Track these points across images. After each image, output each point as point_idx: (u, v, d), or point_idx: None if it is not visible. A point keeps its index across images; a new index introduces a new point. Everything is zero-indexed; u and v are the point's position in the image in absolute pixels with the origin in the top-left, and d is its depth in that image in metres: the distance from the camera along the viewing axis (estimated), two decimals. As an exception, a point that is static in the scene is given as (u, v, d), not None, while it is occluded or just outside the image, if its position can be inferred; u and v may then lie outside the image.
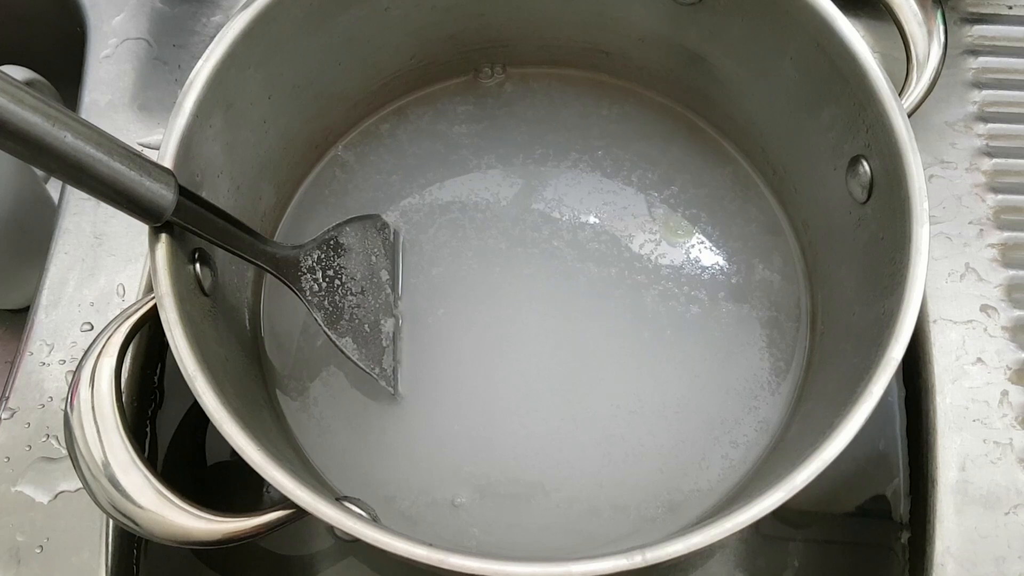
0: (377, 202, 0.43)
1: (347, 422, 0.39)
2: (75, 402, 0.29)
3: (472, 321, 0.41)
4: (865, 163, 0.35)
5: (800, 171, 0.41)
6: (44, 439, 0.38)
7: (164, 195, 0.29)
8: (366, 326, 0.38)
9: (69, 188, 0.42)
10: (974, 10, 0.47)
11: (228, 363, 0.34)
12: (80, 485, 0.31)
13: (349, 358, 0.37)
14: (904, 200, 0.32)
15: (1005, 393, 0.39)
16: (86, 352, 0.30)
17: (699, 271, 0.42)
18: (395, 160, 0.44)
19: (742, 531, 0.28)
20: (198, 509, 0.29)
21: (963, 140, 0.44)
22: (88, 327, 0.40)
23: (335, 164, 0.44)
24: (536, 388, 0.39)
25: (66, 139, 0.26)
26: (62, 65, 0.48)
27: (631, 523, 0.37)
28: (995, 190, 0.43)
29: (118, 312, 0.32)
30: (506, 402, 0.39)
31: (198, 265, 0.33)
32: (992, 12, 0.47)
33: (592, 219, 0.43)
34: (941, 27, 0.38)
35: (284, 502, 0.28)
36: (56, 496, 0.37)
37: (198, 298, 0.33)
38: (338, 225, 0.39)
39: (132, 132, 0.44)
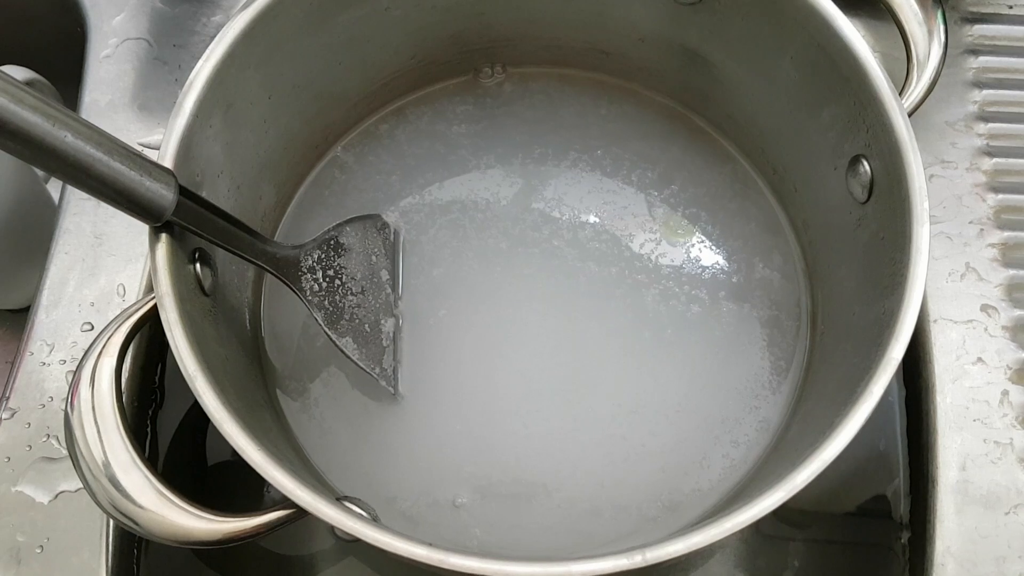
0: (377, 202, 0.43)
1: (347, 422, 0.39)
2: (75, 402, 0.29)
3: (472, 321, 0.40)
4: (865, 163, 0.35)
5: (800, 171, 0.41)
6: (44, 439, 0.38)
7: (164, 195, 0.29)
8: (366, 326, 0.38)
9: (69, 188, 0.42)
10: (974, 10, 0.47)
11: (228, 363, 0.34)
12: (80, 485, 0.31)
13: (349, 358, 0.37)
14: (904, 200, 0.32)
15: (1005, 393, 0.39)
16: (86, 352, 0.30)
17: (699, 270, 0.42)
18: (394, 161, 0.44)
19: (742, 531, 0.28)
20: (198, 509, 0.29)
21: (963, 140, 0.44)
22: (88, 327, 0.40)
23: (334, 165, 0.44)
24: (537, 388, 0.39)
25: (66, 139, 0.26)
26: (62, 65, 0.48)
27: (633, 523, 0.37)
28: (995, 190, 0.43)
29: (118, 312, 0.32)
30: (507, 402, 0.39)
31: (198, 265, 0.33)
32: (992, 12, 0.47)
33: (592, 218, 0.43)
34: (941, 27, 0.38)
35: (284, 502, 0.28)
36: (56, 496, 0.37)
37: (198, 298, 0.33)
38: (338, 225, 0.39)
39: (132, 132, 0.44)
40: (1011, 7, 0.47)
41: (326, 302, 0.37)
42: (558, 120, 0.45)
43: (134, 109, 0.45)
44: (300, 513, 0.28)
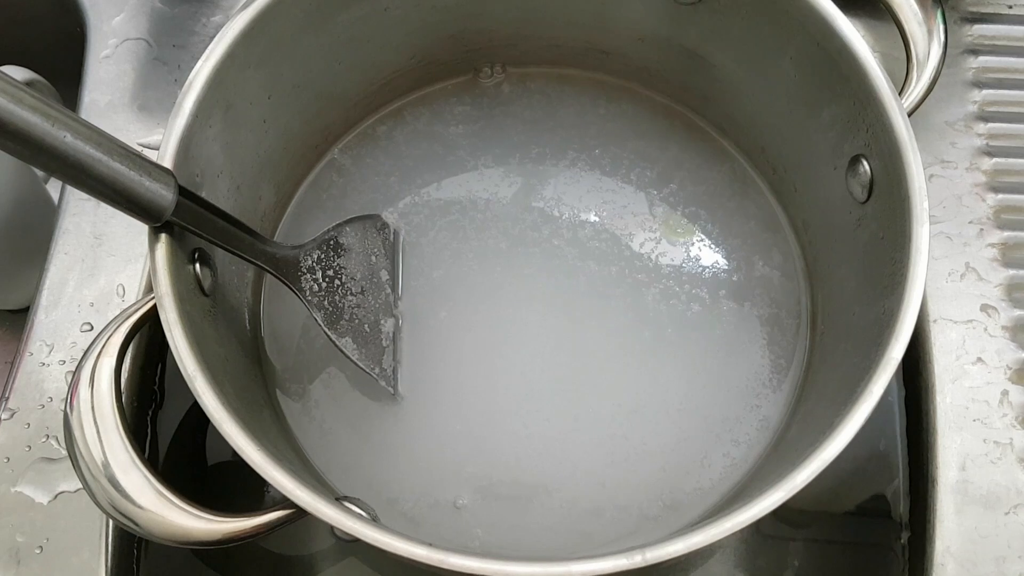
0: (376, 203, 0.43)
1: (347, 423, 0.39)
2: (75, 402, 0.29)
3: (473, 321, 0.40)
4: (865, 162, 0.35)
5: (800, 170, 0.41)
6: (44, 439, 0.38)
7: (164, 195, 0.29)
8: (366, 326, 0.38)
9: (69, 188, 0.42)
10: (974, 9, 0.47)
11: (228, 363, 0.34)
12: (80, 485, 0.31)
13: (349, 358, 0.37)
14: (904, 200, 0.32)
15: (1005, 393, 0.39)
16: (86, 352, 0.30)
17: (699, 269, 0.42)
18: (392, 162, 0.44)
19: (742, 531, 0.28)
20: (198, 509, 0.29)
21: (963, 139, 0.44)
22: (88, 327, 0.40)
23: (333, 168, 0.44)
24: (537, 388, 0.39)
25: (66, 139, 0.26)
26: (62, 65, 0.48)
27: (633, 522, 0.37)
28: (995, 189, 0.43)
29: (118, 312, 0.32)
30: (507, 402, 0.39)
31: (198, 265, 0.33)
32: (992, 11, 0.47)
33: (592, 217, 0.43)
34: (941, 26, 0.38)
35: (284, 502, 0.28)
36: (56, 496, 0.37)
37: (198, 298, 0.33)
38: (338, 225, 0.39)
39: (132, 132, 0.44)
40: (1011, 7, 0.47)
41: (326, 302, 0.37)
42: (556, 120, 0.45)
43: (134, 109, 0.45)
44: (300, 513, 0.28)
